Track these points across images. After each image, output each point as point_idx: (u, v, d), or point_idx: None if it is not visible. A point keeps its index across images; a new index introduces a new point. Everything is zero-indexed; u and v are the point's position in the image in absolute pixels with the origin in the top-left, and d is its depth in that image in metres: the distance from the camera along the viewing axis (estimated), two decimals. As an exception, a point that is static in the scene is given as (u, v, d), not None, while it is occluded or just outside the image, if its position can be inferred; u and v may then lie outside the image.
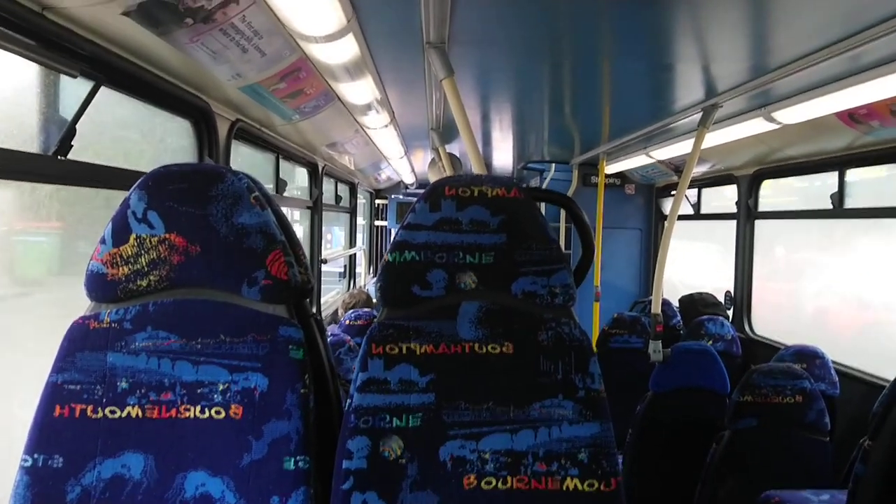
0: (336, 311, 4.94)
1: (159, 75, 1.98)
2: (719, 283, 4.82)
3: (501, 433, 1.30)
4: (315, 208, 4.54)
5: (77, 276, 1.39)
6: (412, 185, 8.03)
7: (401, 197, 8.55)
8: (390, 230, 8.78)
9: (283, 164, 3.68)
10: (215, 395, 1.29)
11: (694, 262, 5.85)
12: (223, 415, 1.29)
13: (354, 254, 6.91)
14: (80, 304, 1.37)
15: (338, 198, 5.84)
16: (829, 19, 1.91)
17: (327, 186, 5.04)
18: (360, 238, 7.60)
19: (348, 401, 1.30)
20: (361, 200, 7.47)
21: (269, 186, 3.52)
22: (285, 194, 3.81)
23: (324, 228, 4.93)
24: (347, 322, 3.53)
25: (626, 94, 3.21)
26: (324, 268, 5.03)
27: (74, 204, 1.94)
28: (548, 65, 2.72)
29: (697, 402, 3.16)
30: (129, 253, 1.32)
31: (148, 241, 1.32)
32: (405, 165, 6.13)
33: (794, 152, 3.77)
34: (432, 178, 5.48)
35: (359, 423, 1.28)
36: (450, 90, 2.18)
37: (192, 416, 1.29)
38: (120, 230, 1.33)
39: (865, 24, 1.91)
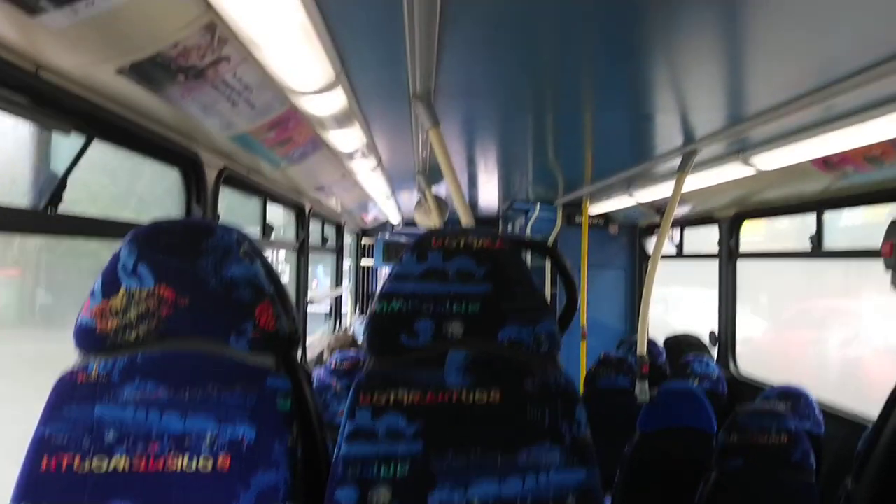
0: (321, 353, 4.92)
1: (149, 128, 2.01)
2: (706, 323, 4.85)
3: (490, 480, 1.30)
4: (301, 250, 4.55)
5: (35, 329, 1.38)
6: (399, 224, 8.07)
7: (387, 236, 8.57)
8: (376, 269, 8.78)
9: (270, 206, 3.71)
10: (203, 446, 1.29)
11: (679, 303, 5.89)
12: (210, 466, 1.29)
13: (340, 294, 6.90)
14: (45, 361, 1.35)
15: (324, 239, 5.86)
16: (803, 71, 1.98)
17: (314, 227, 5.06)
18: (346, 278, 7.59)
19: (336, 451, 1.31)
20: (348, 240, 7.49)
21: (255, 229, 3.54)
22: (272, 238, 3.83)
23: (310, 269, 4.93)
24: (333, 364, 3.52)
25: (607, 140, 3.28)
26: (309, 308, 5.02)
27: (38, 251, 1.91)
28: (531, 114, 2.79)
29: (685, 441, 3.17)
30: (119, 306, 1.34)
31: (137, 294, 1.34)
32: (392, 206, 6.18)
33: (773, 195, 3.85)
34: (419, 219, 5.53)
35: (347, 473, 1.29)
36: (436, 140, 2.22)
37: (179, 468, 1.28)
38: (110, 283, 1.34)
39: (838, 76, 1.97)
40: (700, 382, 3.89)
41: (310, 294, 4.97)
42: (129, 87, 1.62)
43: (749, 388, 4.15)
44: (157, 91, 1.69)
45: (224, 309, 1.35)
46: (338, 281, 6.74)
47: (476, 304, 1.38)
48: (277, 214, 3.96)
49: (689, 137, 2.96)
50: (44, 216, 1.62)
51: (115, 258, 1.34)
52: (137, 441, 1.29)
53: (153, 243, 1.35)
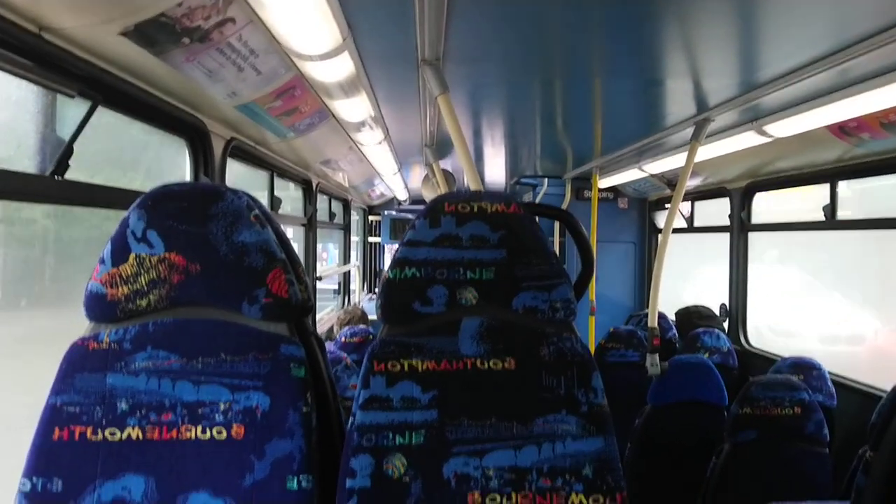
0: (331, 329, 4.92)
1: (156, 94, 1.98)
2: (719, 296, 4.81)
3: (505, 449, 1.29)
4: (310, 225, 4.54)
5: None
6: (405, 201, 8.04)
7: (394, 213, 8.55)
8: (383, 246, 8.78)
9: (277, 181, 3.69)
10: (216, 415, 1.29)
11: (690, 275, 5.86)
12: (225, 435, 1.28)
13: (349, 270, 6.90)
14: None
15: (332, 214, 5.85)
16: (818, 34, 1.94)
17: (321, 204, 5.04)
18: (354, 254, 7.59)
19: (350, 419, 1.30)
20: (355, 217, 7.47)
21: (263, 202, 3.52)
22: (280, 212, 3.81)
23: (319, 245, 4.91)
24: (343, 339, 3.52)
25: (617, 109, 3.23)
26: (318, 285, 5.01)
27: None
28: (540, 82, 2.74)
29: (696, 415, 3.16)
30: (129, 272, 1.32)
31: (147, 260, 1.32)
32: (399, 182, 6.15)
33: (786, 165, 3.81)
34: (426, 194, 5.50)
35: (362, 441, 1.28)
36: (444, 107, 2.19)
37: (193, 436, 1.28)
38: (119, 250, 1.32)
39: (853, 39, 1.93)
40: (710, 356, 3.87)
41: (319, 270, 4.97)
42: (133, 50, 1.59)
43: (760, 361, 4.14)
44: (161, 55, 1.66)
45: (236, 275, 1.33)
46: (346, 257, 6.73)
47: (490, 271, 1.35)
48: (285, 195, 3.93)
49: (701, 105, 2.92)
50: (50, 183, 1.59)
51: (125, 224, 1.32)
52: (150, 410, 1.28)
53: (162, 209, 1.32)
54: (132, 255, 1.32)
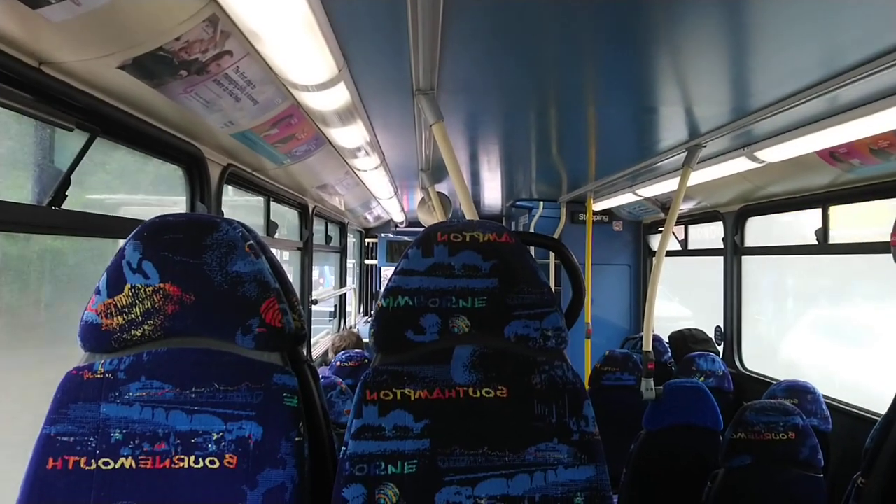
0: (326, 353, 4.92)
1: (153, 124, 2.00)
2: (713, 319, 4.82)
3: (497, 478, 1.29)
4: (305, 249, 4.55)
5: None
6: (402, 223, 8.07)
7: (390, 235, 8.57)
8: (380, 269, 8.78)
9: (273, 204, 3.70)
10: (209, 445, 1.29)
11: (687, 298, 5.87)
12: (217, 465, 1.28)
13: (344, 294, 6.90)
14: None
15: (328, 238, 5.86)
16: (808, 62, 1.97)
17: (317, 227, 5.06)
18: (350, 277, 7.58)
19: (343, 448, 1.30)
20: (352, 240, 7.48)
21: (260, 224, 3.54)
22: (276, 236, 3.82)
23: (316, 269, 4.91)
24: (338, 364, 3.52)
25: (611, 135, 3.27)
26: (313, 308, 5.01)
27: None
28: (534, 110, 2.77)
29: (691, 439, 3.16)
30: (124, 303, 1.33)
31: (143, 290, 1.33)
32: (395, 205, 6.17)
33: (779, 189, 3.84)
34: (422, 217, 5.52)
35: (354, 470, 1.28)
36: (439, 135, 2.22)
37: (186, 466, 1.28)
38: (115, 280, 1.33)
39: (843, 68, 1.97)
40: (706, 379, 3.87)
41: (314, 294, 4.97)
42: (131, 82, 1.62)
43: (755, 384, 4.13)
44: (159, 87, 1.68)
45: (230, 306, 1.34)
46: (342, 280, 6.74)
47: (482, 299, 1.36)
48: (281, 218, 3.94)
49: (693, 131, 2.95)
50: (48, 213, 1.61)
51: (121, 255, 1.34)
52: (143, 440, 1.29)
53: (158, 239, 1.34)
54: (127, 286, 1.33)
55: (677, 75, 2.20)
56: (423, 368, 1.34)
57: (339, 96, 2.12)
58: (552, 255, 5.95)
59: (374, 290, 8.83)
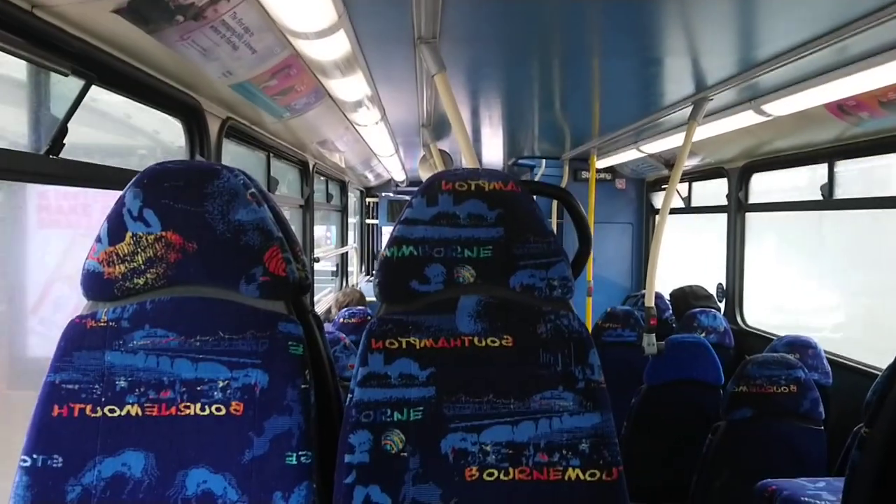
0: (329, 310, 4.93)
1: (150, 73, 1.96)
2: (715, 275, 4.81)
3: (502, 425, 1.30)
4: (307, 207, 4.53)
5: None
6: (403, 182, 8.02)
7: (391, 195, 8.53)
8: (381, 228, 8.76)
9: (274, 163, 3.67)
10: (215, 392, 1.29)
11: (688, 255, 5.86)
12: (223, 412, 1.28)
13: (346, 252, 6.90)
14: None
15: (329, 196, 5.83)
16: (816, 11, 1.93)
17: (318, 185, 5.03)
18: (352, 236, 7.58)
19: (349, 395, 1.30)
20: (352, 198, 7.45)
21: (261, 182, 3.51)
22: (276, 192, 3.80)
23: (322, 227, 4.87)
24: (342, 320, 3.53)
25: (616, 89, 3.22)
26: (316, 266, 5.02)
27: None
28: (538, 61, 2.73)
29: (692, 393, 3.19)
30: (126, 251, 1.32)
31: (144, 239, 1.32)
32: (396, 163, 6.13)
33: (784, 144, 3.80)
34: (423, 175, 5.48)
35: (360, 417, 1.28)
36: (441, 86, 2.18)
37: (192, 413, 1.28)
38: (115, 228, 1.32)
39: (852, 17, 1.92)
40: (707, 335, 3.89)
41: (317, 251, 4.96)
42: (127, 28, 1.58)
43: (757, 340, 4.16)
44: (155, 33, 1.64)
45: (233, 254, 1.33)
46: (343, 239, 6.73)
47: (488, 249, 1.35)
48: (282, 177, 3.91)
49: (699, 84, 2.91)
50: (45, 161, 1.59)
51: (120, 202, 1.32)
52: (149, 388, 1.29)
53: (159, 187, 1.32)
54: (129, 234, 1.31)
55: (684, 24, 2.16)
56: (429, 318, 1.33)
57: (339, 45, 2.08)
58: (555, 210, 5.93)
59: (375, 250, 8.83)
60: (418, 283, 1.35)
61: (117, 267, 1.32)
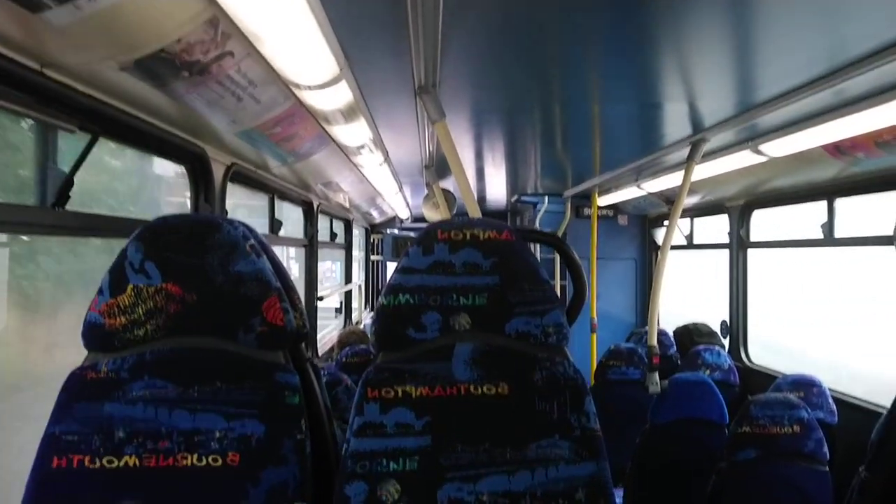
0: (332, 349, 4.93)
1: (156, 124, 2.01)
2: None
3: (499, 474, 1.30)
4: (310, 246, 4.56)
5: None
6: (407, 219, 8.07)
7: (396, 231, 8.57)
8: (385, 264, 8.77)
9: (278, 203, 3.71)
10: (212, 443, 1.30)
11: (692, 290, 5.86)
12: (220, 462, 1.29)
13: (350, 290, 6.91)
14: None
15: (333, 234, 5.87)
16: (812, 56, 1.96)
17: (323, 224, 5.07)
18: (357, 273, 7.60)
19: (345, 445, 1.31)
20: (357, 235, 7.49)
21: (264, 223, 3.55)
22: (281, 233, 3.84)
23: (328, 263, 4.87)
24: (344, 359, 3.52)
25: (615, 130, 3.26)
26: (319, 304, 5.03)
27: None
28: (538, 105, 2.77)
29: (696, 432, 3.16)
30: (127, 303, 1.34)
31: (145, 290, 1.34)
32: (400, 201, 6.17)
33: (783, 183, 3.82)
34: (427, 214, 5.53)
35: (356, 468, 1.29)
36: (442, 133, 2.22)
37: (189, 464, 1.29)
38: (117, 281, 1.35)
39: (848, 60, 1.95)
40: (711, 373, 3.87)
41: (320, 290, 4.98)
42: (133, 83, 1.63)
43: (761, 378, 4.13)
44: (161, 87, 1.69)
45: (231, 305, 1.35)
46: (347, 277, 6.75)
47: (483, 297, 1.37)
48: (286, 215, 3.95)
49: (697, 126, 2.94)
50: (51, 214, 1.62)
51: (123, 255, 1.35)
52: (147, 438, 1.30)
53: (160, 240, 1.35)
54: (130, 286, 1.34)
55: (682, 69, 2.19)
56: (425, 366, 1.34)
57: (341, 95, 2.13)
58: (558, 265, 5.95)
59: (380, 287, 8.84)
60: (414, 331, 1.37)
61: (118, 318, 1.34)
